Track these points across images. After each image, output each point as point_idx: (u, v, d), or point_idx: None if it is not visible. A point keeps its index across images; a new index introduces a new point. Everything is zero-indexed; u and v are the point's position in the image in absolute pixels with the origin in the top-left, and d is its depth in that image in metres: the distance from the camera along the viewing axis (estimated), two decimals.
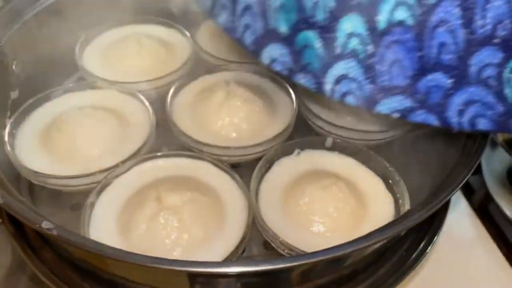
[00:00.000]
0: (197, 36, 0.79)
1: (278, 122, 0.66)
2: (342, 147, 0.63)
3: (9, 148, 0.58)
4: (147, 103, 0.66)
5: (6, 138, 0.59)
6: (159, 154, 0.60)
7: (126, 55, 0.73)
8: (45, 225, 0.40)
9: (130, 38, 0.75)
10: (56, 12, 0.71)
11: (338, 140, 0.63)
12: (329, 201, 0.55)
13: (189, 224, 0.52)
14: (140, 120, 0.65)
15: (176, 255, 0.50)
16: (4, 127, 0.60)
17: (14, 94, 0.65)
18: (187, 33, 0.78)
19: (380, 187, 0.59)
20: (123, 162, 0.58)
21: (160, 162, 0.60)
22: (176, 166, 0.59)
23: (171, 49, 0.76)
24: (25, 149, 0.60)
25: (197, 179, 0.58)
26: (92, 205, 0.54)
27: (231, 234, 0.53)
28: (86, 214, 0.53)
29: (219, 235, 0.53)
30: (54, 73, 0.70)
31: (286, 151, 0.62)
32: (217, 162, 0.59)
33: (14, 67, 0.65)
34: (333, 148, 0.63)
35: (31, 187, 0.61)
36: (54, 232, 0.39)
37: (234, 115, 0.65)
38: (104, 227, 0.53)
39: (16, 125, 0.62)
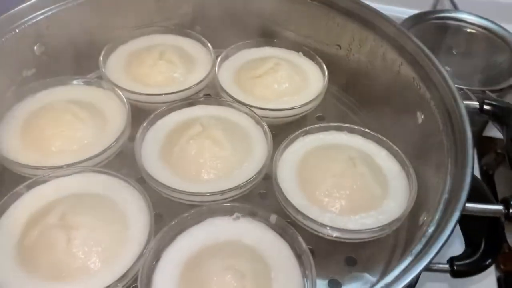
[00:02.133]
0: (221, 66, 0.76)
1: (241, 177, 0.60)
2: (281, 228, 0.55)
3: None
4: (129, 117, 0.66)
5: None
6: (103, 170, 0.59)
7: (144, 64, 0.73)
8: None
9: (156, 47, 0.75)
10: (95, 8, 0.74)
11: (282, 221, 0.55)
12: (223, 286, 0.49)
13: (77, 249, 0.50)
14: (117, 130, 0.65)
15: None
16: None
17: (27, 72, 0.70)
18: (213, 55, 0.76)
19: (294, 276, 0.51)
20: (69, 165, 0.59)
21: (102, 177, 0.59)
22: (109, 186, 0.58)
23: (189, 67, 0.75)
24: (6, 129, 0.64)
25: (120, 206, 0.56)
26: (18, 195, 0.56)
27: (113, 274, 0.50)
28: (6, 203, 0.55)
29: (105, 269, 0.51)
30: (76, 64, 0.74)
31: (226, 211, 0.57)
32: (148, 200, 0.56)
33: (35, 48, 0.70)
34: (275, 227, 0.55)
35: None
36: None
37: (200, 154, 0.61)
38: (12, 223, 0.54)
39: (16, 101, 0.67)
